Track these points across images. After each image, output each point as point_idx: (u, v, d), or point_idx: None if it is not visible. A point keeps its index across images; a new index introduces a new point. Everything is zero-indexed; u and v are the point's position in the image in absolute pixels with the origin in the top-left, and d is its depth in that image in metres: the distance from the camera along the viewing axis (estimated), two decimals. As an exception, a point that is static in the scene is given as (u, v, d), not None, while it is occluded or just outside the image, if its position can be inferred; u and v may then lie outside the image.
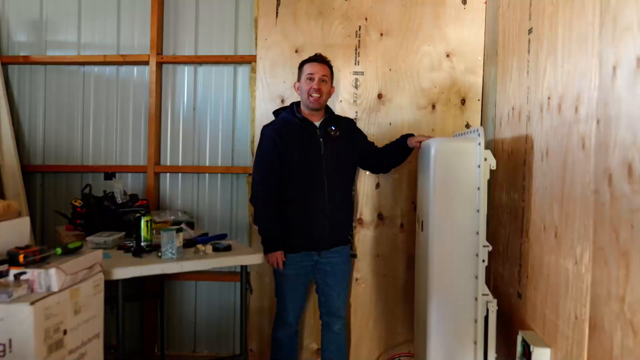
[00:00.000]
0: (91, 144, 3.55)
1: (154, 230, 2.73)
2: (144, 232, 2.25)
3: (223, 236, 2.64)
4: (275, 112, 2.83)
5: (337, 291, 2.78)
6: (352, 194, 2.88)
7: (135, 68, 3.49)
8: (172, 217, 2.79)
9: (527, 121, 2.17)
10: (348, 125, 2.82)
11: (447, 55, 3.06)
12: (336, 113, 3.09)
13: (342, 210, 2.75)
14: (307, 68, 2.66)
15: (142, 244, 2.26)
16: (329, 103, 3.06)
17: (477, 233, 2.16)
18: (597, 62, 1.45)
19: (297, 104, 2.76)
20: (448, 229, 2.20)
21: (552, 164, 1.84)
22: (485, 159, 2.15)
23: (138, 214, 2.25)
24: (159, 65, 3.41)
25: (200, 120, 3.48)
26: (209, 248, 2.27)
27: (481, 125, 3.06)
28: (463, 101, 3.07)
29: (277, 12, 3.15)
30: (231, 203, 3.48)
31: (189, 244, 2.41)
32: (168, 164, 3.50)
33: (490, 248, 2.18)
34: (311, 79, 2.63)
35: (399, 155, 2.80)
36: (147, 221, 2.25)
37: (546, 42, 1.94)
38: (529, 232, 2.10)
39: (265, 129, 2.69)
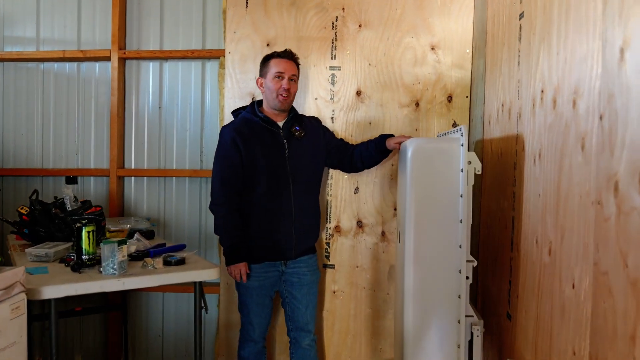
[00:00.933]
0: (52, 146, 3.30)
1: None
2: (85, 243, 1.98)
3: (180, 247, 2.37)
4: (235, 112, 2.58)
5: (304, 304, 2.53)
6: (319, 198, 2.62)
7: (97, 64, 3.23)
8: (129, 226, 2.52)
9: (517, 119, 1.92)
10: (313, 124, 2.59)
11: (432, 48, 2.81)
12: (312, 111, 2.86)
13: (310, 216, 2.52)
14: (276, 65, 2.41)
15: (84, 257, 1.99)
16: (303, 100, 2.84)
17: (460, 246, 1.90)
18: (599, 45, 1.20)
19: (259, 102, 2.52)
20: (427, 242, 1.94)
21: (546, 168, 1.59)
22: (470, 162, 1.89)
23: (78, 224, 1.99)
24: (122, 61, 3.15)
25: (167, 120, 3.23)
26: (158, 262, 2.01)
27: (469, 124, 2.81)
28: (450, 98, 2.81)
29: (246, 3, 2.89)
30: (200, 209, 3.22)
31: (140, 256, 2.15)
32: (132, 167, 3.24)
33: (475, 263, 1.93)
34: (280, 77, 2.40)
35: (375, 155, 2.56)
36: (89, 232, 1.98)
37: (539, 26, 1.69)
38: (520, 246, 1.85)
39: (225, 129, 2.45)
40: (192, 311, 3.13)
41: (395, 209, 2.85)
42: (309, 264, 2.55)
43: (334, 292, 2.90)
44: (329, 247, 2.90)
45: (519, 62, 1.92)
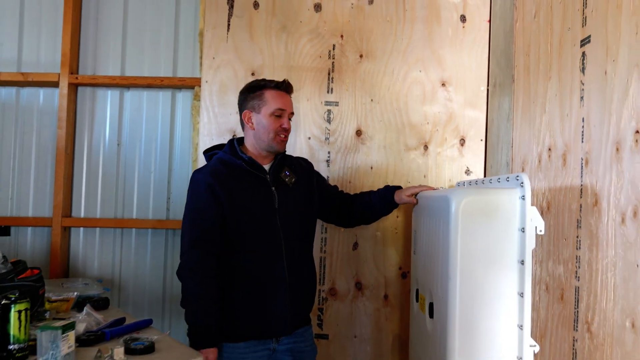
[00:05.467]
0: (-21, 189, 2.71)
1: (49, 313, 1.91)
2: (13, 328, 1.43)
3: (145, 323, 1.83)
4: (208, 153, 2.09)
5: None
6: (313, 256, 2.15)
7: (41, 91, 2.70)
8: (76, 293, 1.97)
9: (582, 166, 1.55)
10: (304, 167, 2.14)
11: (443, 84, 2.46)
12: (304, 153, 2.44)
13: (306, 278, 2.05)
14: (275, 100, 1.97)
15: (12, 346, 1.44)
16: (294, 139, 2.44)
17: (521, 327, 1.48)
18: None
19: (239, 140, 2.06)
20: (477, 321, 1.51)
21: (653, 231, 1.21)
22: (530, 220, 1.49)
23: (5, 300, 1.44)
24: (73, 87, 2.65)
25: (127, 160, 2.71)
26: (118, 351, 1.47)
27: (485, 172, 2.45)
28: (462, 141, 2.46)
29: (228, 24, 2.47)
30: (165, 268, 2.69)
31: (91, 339, 1.61)
32: (82, 215, 2.69)
33: (537, 348, 1.51)
34: (281, 116, 1.96)
35: (380, 210, 2.17)
36: (19, 311, 1.44)
37: (627, 51, 1.34)
38: (595, 327, 1.44)
39: (198, 174, 1.95)
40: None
41: (400, 268, 2.43)
42: (305, 337, 2.05)
43: (328, 369, 2.41)
44: (323, 313, 2.43)
45: (582, 97, 1.57)
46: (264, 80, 2.04)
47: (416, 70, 2.47)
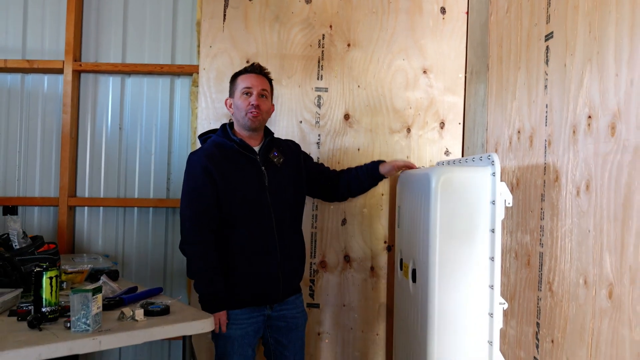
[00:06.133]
0: (-14, 170, 2.85)
1: (65, 283, 2.09)
2: (46, 292, 1.61)
3: (157, 291, 2.03)
4: (203, 137, 2.27)
5: (293, 351, 2.23)
6: (302, 230, 2.35)
7: (45, 77, 2.84)
8: (90, 266, 2.15)
9: (546, 147, 1.77)
10: (292, 149, 2.33)
11: (424, 72, 2.66)
12: (296, 136, 2.61)
13: (295, 252, 2.25)
14: (243, 81, 2.17)
15: (45, 309, 1.62)
16: (286, 123, 2.60)
17: (492, 287, 1.71)
18: None
19: (231, 125, 2.24)
20: (453, 282, 1.74)
21: (602, 202, 1.43)
22: (500, 194, 1.71)
23: (38, 268, 1.62)
24: (77, 74, 2.78)
25: (128, 143, 2.87)
26: (139, 312, 1.66)
27: (462, 152, 2.67)
28: (442, 124, 2.66)
29: (224, 15, 2.63)
30: (165, 244, 2.87)
31: (111, 304, 1.79)
32: (86, 195, 2.85)
33: (506, 306, 1.74)
34: (248, 94, 2.14)
35: (366, 183, 2.36)
36: (50, 278, 1.62)
37: (582, 47, 1.55)
38: (555, 286, 1.68)
39: (194, 156, 2.14)
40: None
41: (385, 242, 2.64)
42: (296, 304, 2.26)
43: (319, 335, 2.63)
44: (314, 284, 2.64)
45: (546, 86, 1.79)
46: (241, 69, 2.23)
47: (400, 59, 2.66)
